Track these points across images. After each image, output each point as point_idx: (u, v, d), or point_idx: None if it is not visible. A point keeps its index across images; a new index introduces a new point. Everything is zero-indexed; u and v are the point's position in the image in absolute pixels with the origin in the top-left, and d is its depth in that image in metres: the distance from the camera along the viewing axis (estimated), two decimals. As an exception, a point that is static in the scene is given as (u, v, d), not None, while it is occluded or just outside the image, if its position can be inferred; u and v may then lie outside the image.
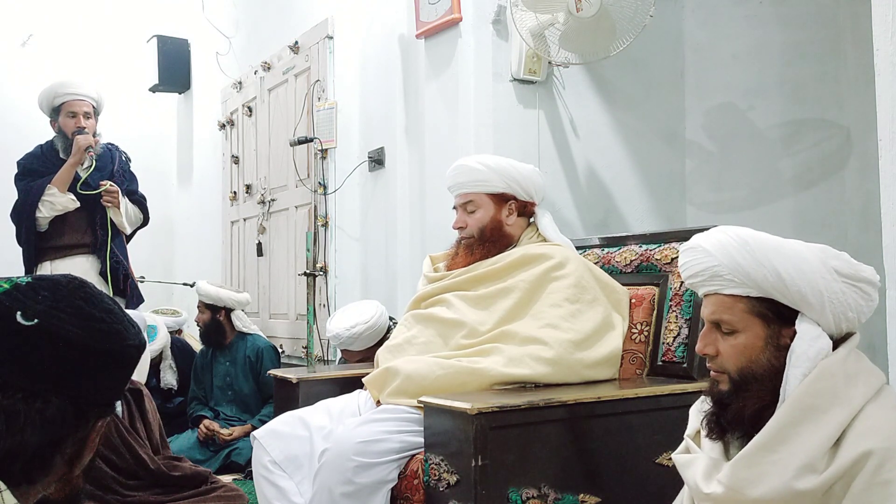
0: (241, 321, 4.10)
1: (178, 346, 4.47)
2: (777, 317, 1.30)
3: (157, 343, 4.11)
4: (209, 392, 4.10)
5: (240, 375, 4.01)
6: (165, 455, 2.84)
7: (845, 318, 1.29)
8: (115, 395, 0.97)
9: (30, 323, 0.88)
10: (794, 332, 1.29)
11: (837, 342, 1.31)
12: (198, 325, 4.17)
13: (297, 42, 4.24)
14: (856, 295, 1.29)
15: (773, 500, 1.21)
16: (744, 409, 1.31)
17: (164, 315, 4.56)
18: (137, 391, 2.90)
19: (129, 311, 3.17)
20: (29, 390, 0.88)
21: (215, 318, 4.08)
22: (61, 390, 0.89)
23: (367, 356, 2.95)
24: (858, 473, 1.16)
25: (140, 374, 3.26)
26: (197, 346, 4.78)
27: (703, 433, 1.37)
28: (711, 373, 1.38)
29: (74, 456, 0.93)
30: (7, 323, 0.88)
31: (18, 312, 0.88)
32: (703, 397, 1.42)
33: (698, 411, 1.43)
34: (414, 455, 1.94)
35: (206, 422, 3.86)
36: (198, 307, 4.14)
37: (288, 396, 2.47)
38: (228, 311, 4.08)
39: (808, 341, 1.27)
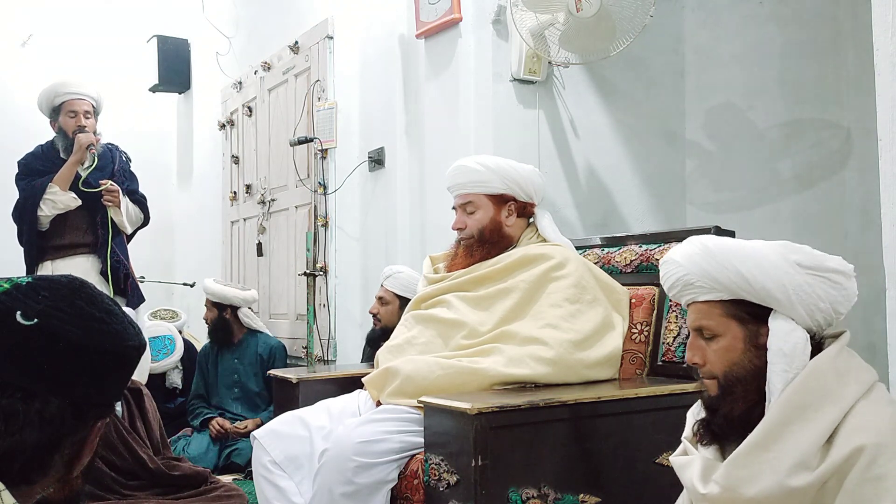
0: (249, 318, 4.11)
1: (184, 346, 4.48)
2: (752, 317, 1.33)
3: (176, 355, 4.15)
4: (213, 388, 4.10)
5: (249, 373, 4.01)
6: (165, 455, 2.85)
7: (818, 309, 1.31)
8: (114, 396, 0.97)
9: (29, 323, 0.88)
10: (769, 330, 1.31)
11: (825, 339, 1.33)
12: (206, 322, 4.18)
13: (297, 42, 4.24)
14: (825, 285, 1.31)
15: (767, 498, 1.22)
16: (732, 412, 1.33)
17: (163, 319, 4.57)
18: (137, 391, 2.90)
19: (154, 323, 3.21)
20: (28, 390, 0.87)
21: (222, 316, 4.09)
22: (60, 391, 0.89)
23: (388, 300, 3.11)
24: (851, 469, 1.17)
25: (141, 374, 3.27)
26: (199, 345, 4.78)
27: (696, 439, 1.39)
28: (702, 380, 1.40)
29: (73, 457, 0.93)
30: (7, 323, 0.88)
31: (18, 312, 0.88)
32: (699, 401, 1.43)
33: (695, 414, 1.44)
34: (414, 455, 1.94)
35: (217, 420, 3.88)
36: (205, 305, 4.16)
37: (288, 396, 2.47)
38: (234, 308, 4.08)
39: (782, 337, 1.29)
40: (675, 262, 1.41)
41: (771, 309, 1.32)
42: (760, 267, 1.31)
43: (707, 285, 1.35)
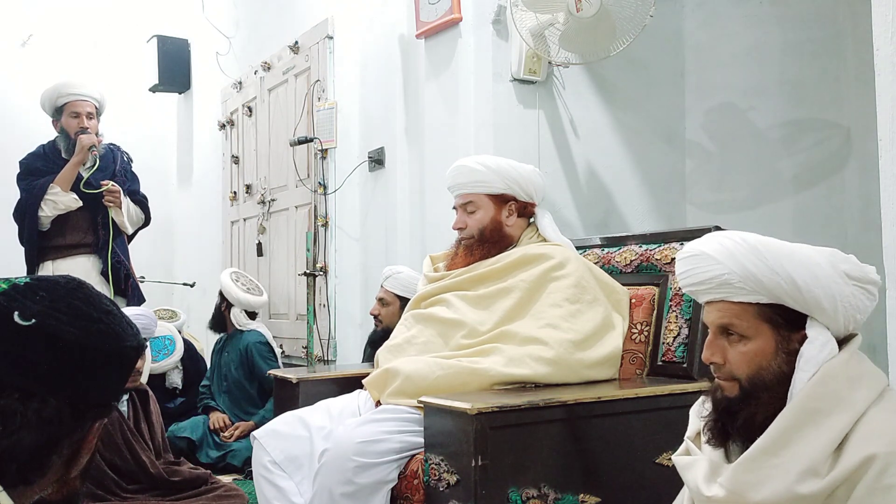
0: (236, 318, 4.12)
1: (184, 346, 4.49)
2: (787, 322, 1.28)
3: (176, 355, 4.18)
4: (213, 378, 4.16)
5: (232, 367, 4.04)
6: (166, 459, 2.85)
7: (854, 319, 1.29)
8: (112, 396, 0.96)
9: (27, 323, 0.88)
10: (803, 337, 1.27)
11: (839, 343, 1.30)
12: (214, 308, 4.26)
13: (297, 42, 4.24)
14: (864, 297, 1.29)
15: None
16: (755, 417, 1.29)
17: (162, 319, 4.57)
18: (144, 392, 2.90)
19: (159, 326, 3.20)
20: (26, 391, 0.87)
21: (219, 307, 4.17)
22: (58, 391, 0.89)
23: (389, 301, 3.09)
24: (861, 478, 1.15)
25: (141, 374, 3.27)
26: (199, 345, 4.80)
27: (704, 439, 1.36)
28: (717, 380, 1.36)
29: (71, 457, 0.93)
30: (4, 323, 0.88)
31: (16, 312, 0.88)
32: (702, 398, 1.40)
33: (698, 413, 1.41)
34: (414, 455, 1.94)
35: (218, 415, 3.92)
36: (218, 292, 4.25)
37: (288, 396, 2.47)
38: (230, 305, 4.10)
39: (818, 346, 1.25)
40: (712, 259, 1.31)
41: (805, 315, 1.27)
42: (814, 275, 1.25)
43: (748, 287, 1.27)
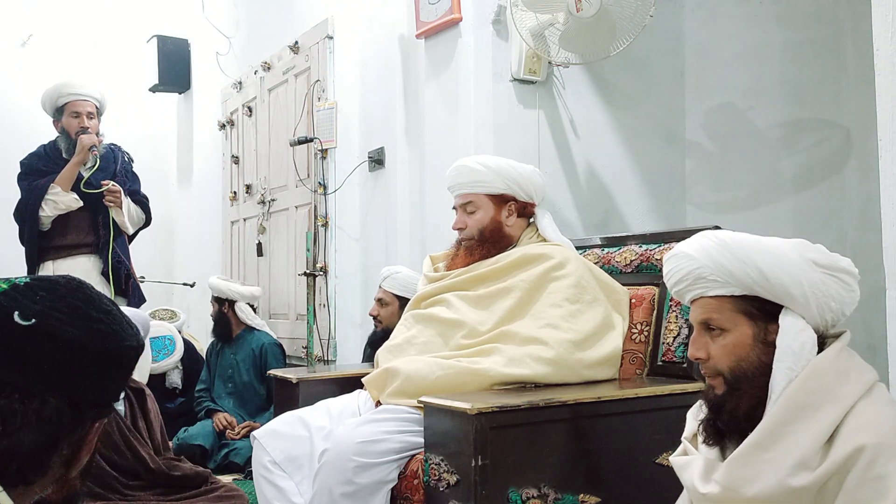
0: (245, 314, 4.12)
1: (184, 346, 4.50)
2: (763, 313, 1.33)
3: (176, 355, 4.19)
4: (212, 383, 4.14)
5: (241, 369, 4.04)
6: (166, 456, 2.85)
7: (829, 308, 1.31)
8: (112, 396, 0.96)
9: (27, 323, 0.88)
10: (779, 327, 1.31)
11: (827, 339, 1.33)
12: (212, 317, 4.25)
13: (297, 42, 4.24)
14: (836, 284, 1.32)
15: (768, 497, 1.22)
16: (738, 409, 1.32)
17: (161, 319, 4.58)
18: (140, 391, 2.90)
19: (154, 323, 3.19)
20: (26, 390, 0.87)
21: (220, 311, 4.16)
22: (58, 391, 0.89)
23: (388, 302, 3.08)
24: (851, 469, 1.17)
25: (141, 374, 3.28)
26: (199, 345, 4.80)
27: (700, 439, 1.38)
28: (706, 379, 1.39)
29: (71, 457, 0.93)
30: (4, 323, 0.88)
31: (16, 312, 0.88)
32: (699, 402, 1.43)
33: (695, 415, 1.44)
34: (414, 455, 1.94)
35: (223, 415, 3.92)
36: (210, 301, 4.24)
37: (288, 396, 2.47)
38: (232, 303, 4.11)
39: (792, 335, 1.28)
40: (688, 256, 1.38)
41: (781, 306, 1.31)
42: (780, 263, 1.30)
43: (721, 279, 1.33)
